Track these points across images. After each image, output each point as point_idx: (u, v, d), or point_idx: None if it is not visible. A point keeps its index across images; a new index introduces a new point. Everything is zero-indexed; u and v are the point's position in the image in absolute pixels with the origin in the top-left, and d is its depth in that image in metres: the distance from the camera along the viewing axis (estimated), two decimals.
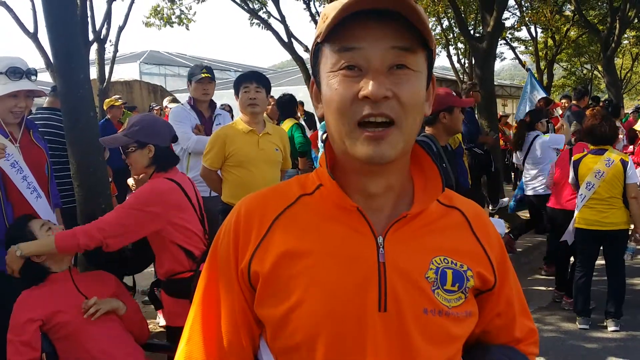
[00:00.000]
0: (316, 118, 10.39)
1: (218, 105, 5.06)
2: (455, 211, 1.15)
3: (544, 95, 10.35)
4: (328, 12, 1.02)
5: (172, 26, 15.07)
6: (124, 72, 18.81)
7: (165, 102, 9.53)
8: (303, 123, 7.32)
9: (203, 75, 4.54)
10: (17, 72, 3.04)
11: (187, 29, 15.42)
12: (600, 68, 26.00)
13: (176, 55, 30.85)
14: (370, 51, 0.97)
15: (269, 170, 4.09)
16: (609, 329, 4.94)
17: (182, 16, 15.09)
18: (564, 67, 28.75)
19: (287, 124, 6.10)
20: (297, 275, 1.02)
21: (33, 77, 3.14)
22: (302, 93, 12.48)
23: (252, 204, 1.12)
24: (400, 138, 0.99)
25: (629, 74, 27.25)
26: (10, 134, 3.11)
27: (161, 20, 14.90)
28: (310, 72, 1.13)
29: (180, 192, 2.92)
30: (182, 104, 4.77)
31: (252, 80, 3.99)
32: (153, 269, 3.13)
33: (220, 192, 4.08)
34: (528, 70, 11.19)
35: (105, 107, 7.48)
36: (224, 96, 11.97)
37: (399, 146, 1.00)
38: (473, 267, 1.09)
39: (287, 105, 6.38)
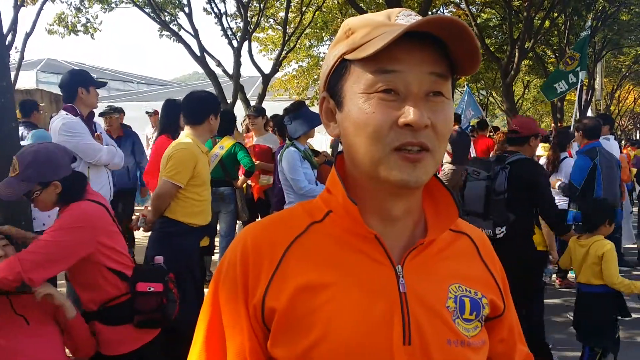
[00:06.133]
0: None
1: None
2: (463, 236, 1.13)
3: (480, 113, 10.69)
4: (355, 26, 0.98)
5: (77, 34, 14.58)
6: (19, 81, 17.77)
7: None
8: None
9: (103, 81, 4.40)
10: None
11: (93, 38, 14.96)
12: (494, 94, 27.63)
13: (75, 64, 29.55)
14: (410, 75, 0.92)
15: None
16: None
17: (88, 25, 14.63)
18: (461, 92, 30.25)
19: (227, 142, 5.95)
20: (316, 310, 0.95)
21: None
22: None
23: (259, 234, 1.04)
24: (432, 164, 0.96)
25: (520, 101, 29.06)
26: None
27: (65, 28, 14.34)
28: (324, 86, 1.05)
29: (106, 214, 2.81)
30: (66, 115, 4.30)
31: None
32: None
33: (163, 212, 3.85)
34: (466, 86, 11.50)
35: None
36: (127, 108, 11.62)
37: (430, 172, 0.97)
38: (486, 294, 1.07)
39: (228, 122, 6.26)
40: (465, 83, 11.98)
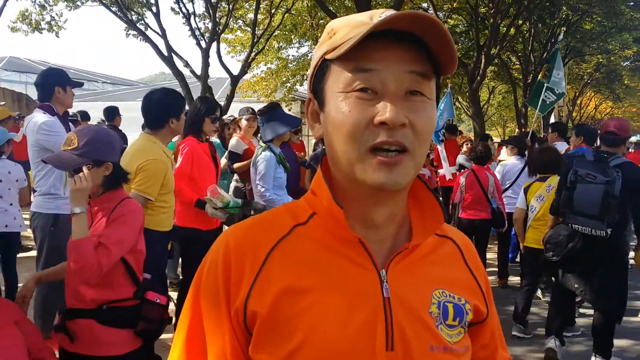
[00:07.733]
0: None
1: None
2: (448, 241, 1.11)
3: (452, 115, 10.73)
4: (337, 27, 0.97)
5: (41, 32, 14.28)
6: None
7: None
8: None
9: (79, 81, 4.37)
10: None
11: (57, 37, 14.67)
12: (460, 99, 27.96)
13: (39, 62, 28.98)
14: (387, 74, 0.91)
15: None
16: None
17: (53, 23, 14.36)
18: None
19: None
20: (299, 314, 0.93)
21: None
22: None
23: (241, 235, 1.01)
24: (412, 166, 0.94)
25: (486, 106, 29.47)
26: None
27: (29, 26, 14.04)
28: (309, 88, 1.04)
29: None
30: (44, 113, 4.22)
31: None
32: None
33: None
34: (447, 89, 11.40)
35: None
36: (91, 108, 11.45)
37: (410, 174, 0.94)
38: (470, 299, 1.06)
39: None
40: (449, 85, 11.94)
